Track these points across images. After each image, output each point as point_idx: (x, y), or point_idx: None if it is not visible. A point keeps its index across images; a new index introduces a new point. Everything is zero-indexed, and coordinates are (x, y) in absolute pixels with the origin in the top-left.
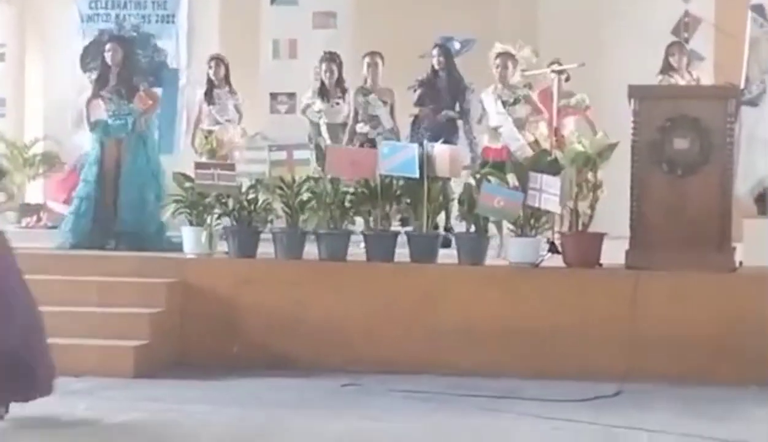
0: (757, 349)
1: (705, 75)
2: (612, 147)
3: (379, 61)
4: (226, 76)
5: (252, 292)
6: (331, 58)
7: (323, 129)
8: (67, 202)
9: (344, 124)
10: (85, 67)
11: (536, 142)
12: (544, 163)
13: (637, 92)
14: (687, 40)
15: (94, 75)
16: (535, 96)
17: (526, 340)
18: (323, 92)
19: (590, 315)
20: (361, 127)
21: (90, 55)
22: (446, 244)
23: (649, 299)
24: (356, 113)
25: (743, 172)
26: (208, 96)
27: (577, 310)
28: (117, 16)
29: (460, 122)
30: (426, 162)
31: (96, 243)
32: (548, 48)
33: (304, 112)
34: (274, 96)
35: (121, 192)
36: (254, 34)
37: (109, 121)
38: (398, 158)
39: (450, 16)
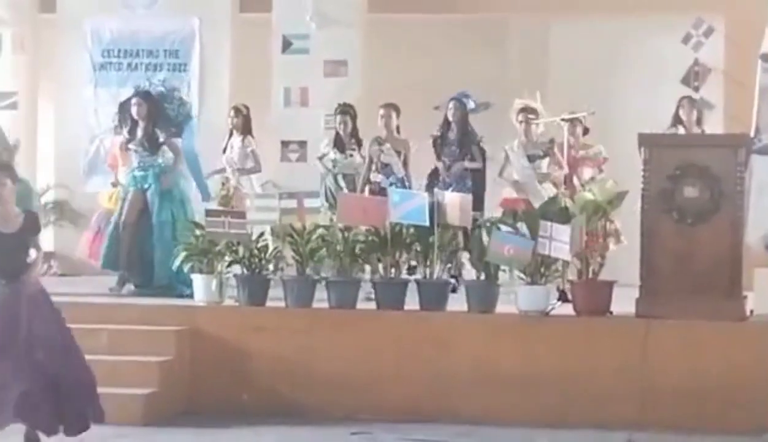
0: None
1: (715, 123)
2: (622, 195)
3: (393, 112)
4: (244, 126)
5: (262, 340)
6: (345, 110)
7: (339, 178)
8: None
9: (356, 175)
10: (119, 123)
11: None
12: (554, 211)
13: (647, 141)
14: (697, 89)
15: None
16: (556, 149)
17: (537, 388)
18: (338, 143)
19: (601, 364)
20: (375, 176)
21: (122, 111)
22: (452, 290)
23: (660, 347)
24: (370, 162)
25: (753, 220)
26: (226, 144)
27: (587, 358)
28: (129, 65)
29: (470, 173)
30: (436, 210)
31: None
32: (558, 96)
33: (321, 159)
34: (285, 144)
35: (155, 249)
36: (266, 82)
37: (135, 172)
38: (409, 206)
39: (460, 65)
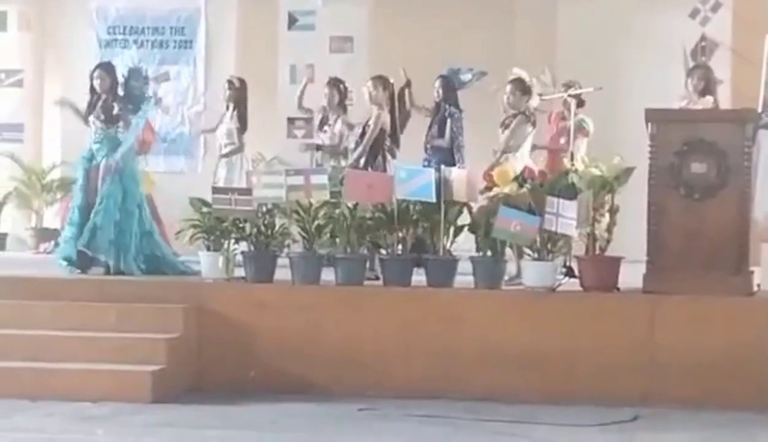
0: None
1: (723, 99)
2: (629, 171)
3: (380, 86)
4: (237, 99)
5: (269, 317)
6: (335, 83)
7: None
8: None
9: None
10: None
11: (542, 170)
12: (561, 186)
13: (654, 116)
14: None
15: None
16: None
17: (543, 364)
18: (322, 120)
19: (607, 339)
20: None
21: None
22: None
23: (667, 323)
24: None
25: (761, 196)
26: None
27: (594, 334)
28: (135, 42)
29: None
30: (443, 186)
31: (83, 267)
32: (565, 71)
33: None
34: (291, 121)
35: (97, 215)
36: (272, 59)
37: (93, 146)
38: (415, 183)
39: (467, 40)
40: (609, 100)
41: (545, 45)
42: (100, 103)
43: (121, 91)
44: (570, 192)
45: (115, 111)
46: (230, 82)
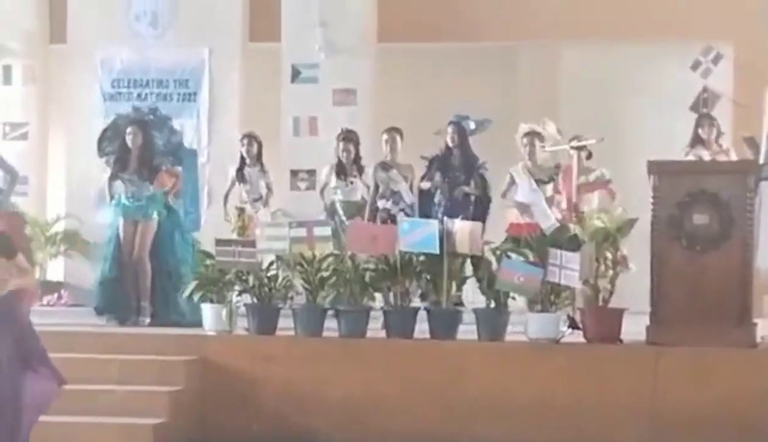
0: None
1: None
2: (632, 222)
3: (398, 136)
4: (259, 155)
5: (272, 369)
6: (348, 136)
7: (338, 207)
8: None
9: (360, 203)
10: (102, 151)
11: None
12: (563, 239)
13: (656, 168)
14: None
15: (111, 158)
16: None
17: (547, 416)
18: (340, 170)
19: (611, 391)
20: (383, 203)
21: (107, 140)
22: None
23: (671, 374)
24: (377, 189)
25: (763, 247)
26: (240, 173)
27: (598, 386)
28: (139, 95)
29: (473, 199)
30: (446, 238)
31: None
32: (568, 124)
33: (321, 192)
34: (294, 173)
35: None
36: (275, 111)
37: (127, 203)
38: (418, 234)
39: (470, 93)
40: (611, 152)
41: (548, 96)
42: (134, 161)
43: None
44: (573, 244)
45: (161, 166)
46: (253, 137)
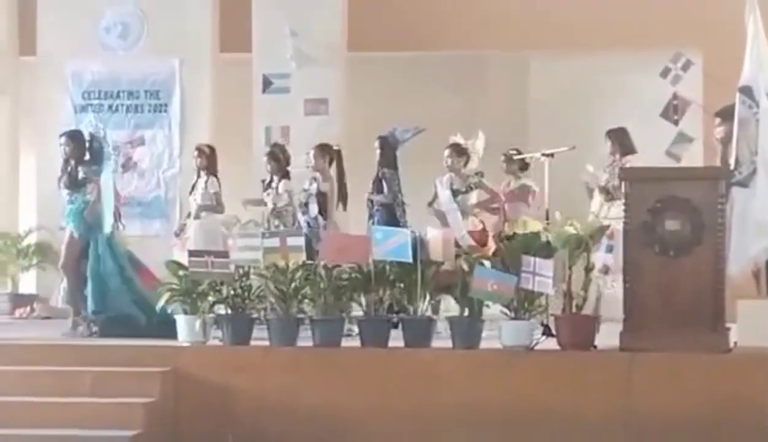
0: (753, 430)
1: (695, 156)
2: (603, 229)
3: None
4: (208, 166)
5: (246, 379)
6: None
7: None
8: None
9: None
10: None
11: (484, 229)
12: (536, 246)
13: (627, 174)
14: (676, 122)
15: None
16: (488, 182)
17: (522, 423)
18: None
19: (585, 398)
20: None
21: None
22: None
23: (644, 380)
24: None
25: (735, 253)
26: (193, 185)
27: (571, 392)
28: (110, 107)
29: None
30: (419, 246)
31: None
32: (538, 132)
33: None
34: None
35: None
36: (247, 121)
37: (66, 209)
38: (392, 243)
39: (441, 102)
40: (582, 160)
41: (517, 105)
42: (68, 170)
43: (87, 156)
44: (545, 251)
45: (81, 176)
46: (201, 149)
